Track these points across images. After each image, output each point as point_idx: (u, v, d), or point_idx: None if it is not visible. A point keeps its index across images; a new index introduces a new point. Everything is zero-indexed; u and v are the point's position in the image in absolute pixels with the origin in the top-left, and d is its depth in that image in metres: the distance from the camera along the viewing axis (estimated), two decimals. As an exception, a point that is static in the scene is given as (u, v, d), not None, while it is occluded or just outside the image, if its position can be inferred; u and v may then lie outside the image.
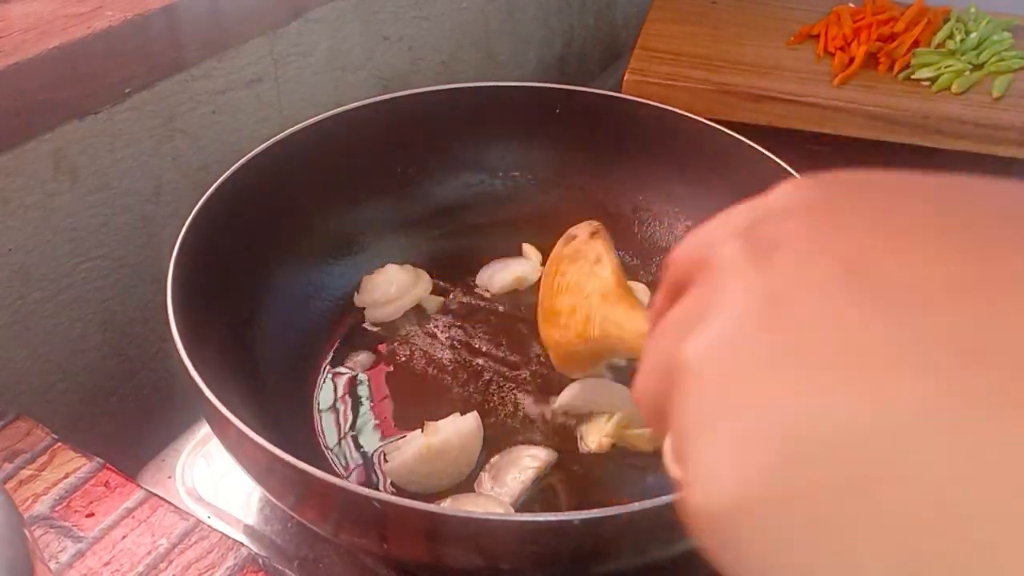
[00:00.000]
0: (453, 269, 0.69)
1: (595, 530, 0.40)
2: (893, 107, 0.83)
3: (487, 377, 0.60)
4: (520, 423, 0.57)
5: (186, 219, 0.53)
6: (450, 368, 0.61)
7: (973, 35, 0.91)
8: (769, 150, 0.62)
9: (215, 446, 0.55)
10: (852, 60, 0.89)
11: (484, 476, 0.53)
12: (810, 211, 0.19)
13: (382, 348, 0.63)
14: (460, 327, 0.65)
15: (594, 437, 0.55)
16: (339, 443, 0.56)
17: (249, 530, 0.52)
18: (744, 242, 0.20)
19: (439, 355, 0.62)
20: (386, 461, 0.54)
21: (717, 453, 0.18)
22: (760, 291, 0.18)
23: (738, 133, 0.64)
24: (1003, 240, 0.17)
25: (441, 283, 0.68)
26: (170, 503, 0.47)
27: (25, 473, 0.47)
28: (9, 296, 0.56)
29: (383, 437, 0.56)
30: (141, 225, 0.63)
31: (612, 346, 0.50)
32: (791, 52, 0.92)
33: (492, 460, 0.54)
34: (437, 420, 0.54)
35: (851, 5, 0.97)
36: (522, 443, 0.55)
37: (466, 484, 0.53)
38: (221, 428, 0.44)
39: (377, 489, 0.53)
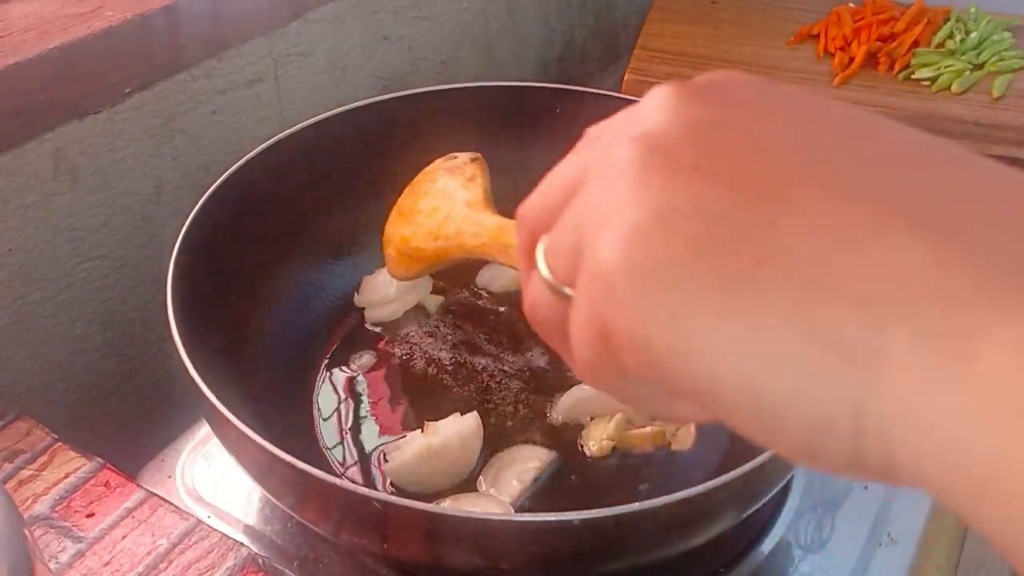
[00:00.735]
0: (453, 269, 0.69)
1: (595, 530, 0.40)
2: (893, 107, 0.83)
3: (487, 377, 0.60)
4: (520, 423, 0.57)
5: (186, 219, 0.53)
6: (450, 368, 0.61)
7: (973, 35, 0.91)
8: (769, 150, 0.61)
9: (215, 446, 0.55)
10: (852, 60, 0.89)
11: (484, 476, 0.53)
12: (691, 132, 0.22)
13: (382, 348, 0.63)
14: (460, 327, 0.65)
15: (595, 441, 0.55)
16: (339, 443, 0.56)
17: (249, 530, 0.52)
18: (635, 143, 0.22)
19: (439, 355, 0.62)
20: (386, 461, 0.54)
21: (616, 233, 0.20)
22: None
23: (738, 133, 0.64)
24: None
25: (441, 283, 0.68)
26: (170, 503, 0.47)
27: (25, 473, 0.47)
28: (9, 296, 0.56)
29: (383, 437, 0.56)
30: (141, 225, 0.63)
31: (464, 243, 0.53)
32: (791, 52, 0.92)
33: (492, 460, 0.54)
34: (437, 420, 0.54)
35: (851, 5, 0.97)
36: (522, 443, 0.55)
37: (466, 484, 0.53)
38: (221, 428, 0.44)
39: (377, 489, 0.53)
